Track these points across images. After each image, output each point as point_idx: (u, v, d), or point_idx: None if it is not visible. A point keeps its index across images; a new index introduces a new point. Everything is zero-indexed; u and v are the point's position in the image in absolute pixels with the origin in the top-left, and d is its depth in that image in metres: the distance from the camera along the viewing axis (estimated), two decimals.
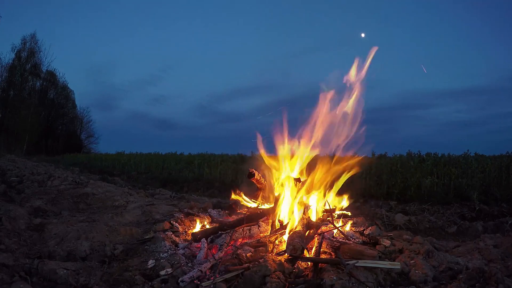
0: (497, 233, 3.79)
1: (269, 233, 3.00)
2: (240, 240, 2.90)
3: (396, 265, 2.30)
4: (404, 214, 5.00)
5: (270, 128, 3.45)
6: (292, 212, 3.05)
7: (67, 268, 2.35)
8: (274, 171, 3.51)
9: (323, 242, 2.71)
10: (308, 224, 2.83)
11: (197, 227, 3.40)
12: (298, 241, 2.35)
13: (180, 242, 2.98)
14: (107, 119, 63.11)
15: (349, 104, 3.36)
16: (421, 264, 2.37)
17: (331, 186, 3.53)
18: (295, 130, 3.44)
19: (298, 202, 3.16)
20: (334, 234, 2.94)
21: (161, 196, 6.49)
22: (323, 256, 2.53)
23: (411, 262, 2.45)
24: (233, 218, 3.44)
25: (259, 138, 3.37)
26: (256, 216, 3.18)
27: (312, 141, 3.39)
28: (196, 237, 2.92)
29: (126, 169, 14.57)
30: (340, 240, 2.82)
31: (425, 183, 6.46)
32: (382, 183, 7.06)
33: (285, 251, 2.44)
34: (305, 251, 2.46)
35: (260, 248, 2.60)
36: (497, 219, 4.74)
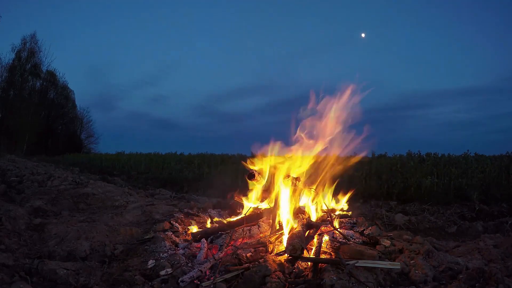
0: (497, 233, 3.79)
1: (269, 233, 3.00)
2: (240, 240, 2.90)
3: (396, 265, 2.30)
4: (404, 214, 5.00)
5: (271, 128, 3.45)
6: (292, 212, 3.05)
7: (67, 268, 2.35)
8: (274, 171, 3.51)
9: (323, 242, 2.71)
10: (308, 224, 2.83)
11: (197, 227, 3.40)
12: (298, 241, 2.35)
13: (180, 242, 2.98)
14: (107, 119, 63.19)
15: (353, 104, 3.36)
16: (421, 264, 2.37)
17: (331, 186, 3.53)
18: (296, 129, 3.44)
19: (298, 202, 3.16)
20: (334, 234, 2.94)
21: (161, 196, 6.49)
22: (323, 256, 2.53)
23: (411, 262, 2.45)
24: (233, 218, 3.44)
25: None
26: (256, 216, 3.18)
27: (315, 141, 3.39)
28: (196, 237, 2.92)
29: (126, 169, 14.56)
30: (340, 240, 2.82)
31: (425, 183, 6.45)
32: (382, 183, 7.06)
33: (285, 251, 2.44)
34: (305, 251, 2.46)
35: (260, 248, 2.60)
36: (497, 219, 4.74)
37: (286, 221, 2.93)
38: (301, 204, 3.22)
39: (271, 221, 3.13)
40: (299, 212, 3.04)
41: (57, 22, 66.11)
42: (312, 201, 3.35)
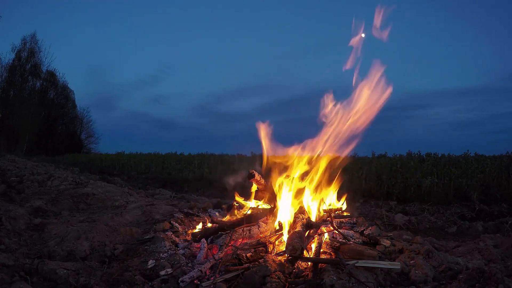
0: (497, 233, 3.79)
1: (269, 234, 3.00)
2: (240, 240, 2.90)
3: (396, 265, 2.30)
4: (404, 214, 5.00)
5: (271, 128, 3.45)
6: (292, 212, 3.05)
7: (67, 268, 2.35)
8: (274, 171, 3.51)
9: (323, 242, 2.71)
10: (308, 224, 2.83)
11: (197, 227, 3.40)
12: (298, 242, 2.35)
13: (180, 242, 2.98)
14: (107, 119, 63.12)
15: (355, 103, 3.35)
16: (421, 264, 2.37)
17: (330, 186, 3.53)
18: (296, 129, 3.44)
19: (298, 202, 3.16)
20: (334, 234, 2.94)
21: (161, 196, 6.49)
22: (323, 256, 2.53)
23: (411, 262, 2.45)
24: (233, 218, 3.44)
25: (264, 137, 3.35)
26: (256, 216, 3.18)
27: (315, 142, 3.39)
28: (196, 237, 2.92)
29: (126, 169, 14.57)
30: (340, 240, 2.82)
31: (425, 183, 6.45)
32: (382, 183, 7.06)
33: (284, 252, 2.44)
34: (305, 251, 2.46)
35: (260, 249, 2.60)
36: (497, 219, 4.74)
37: (286, 221, 2.93)
38: (301, 204, 3.22)
39: (271, 221, 3.13)
40: (299, 212, 3.04)
41: (57, 22, 66.05)
42: (312, 201, 3.35)
